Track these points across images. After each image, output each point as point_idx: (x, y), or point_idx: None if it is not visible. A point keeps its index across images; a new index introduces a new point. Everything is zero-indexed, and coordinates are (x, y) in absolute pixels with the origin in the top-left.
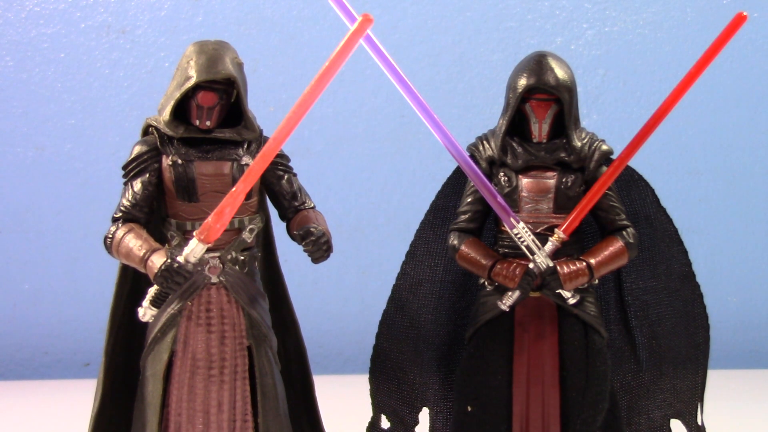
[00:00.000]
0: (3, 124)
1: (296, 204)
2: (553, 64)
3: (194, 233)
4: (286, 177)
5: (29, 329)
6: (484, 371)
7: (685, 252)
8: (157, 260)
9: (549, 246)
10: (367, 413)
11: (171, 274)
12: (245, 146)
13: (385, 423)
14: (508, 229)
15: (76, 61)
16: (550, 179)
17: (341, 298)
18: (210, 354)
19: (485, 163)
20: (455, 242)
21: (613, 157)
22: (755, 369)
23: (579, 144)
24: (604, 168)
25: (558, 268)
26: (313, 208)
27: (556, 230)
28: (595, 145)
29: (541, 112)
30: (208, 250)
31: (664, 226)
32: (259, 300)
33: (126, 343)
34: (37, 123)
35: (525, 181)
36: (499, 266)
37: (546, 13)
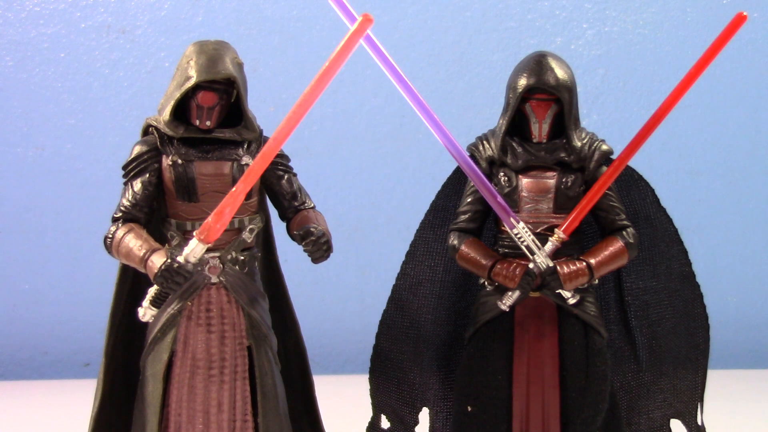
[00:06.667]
0: (3, 124)
1: (296, 204)
2: (553, 64)
3: (194, 233)
4: (286, 177)
5: (29, 329)
6: (484, 371)
7: (685, 252)
8: (157, 260)
9: (549, 246)
10: (367, 413)
11: (171, 274)
12: (245, 146)
13: (385, 423)
14: (508, 229)
15: (76, 61)
16: (550, 179)
17: (341, 298)
18: (210, 354)
19: (485, 163)
20: (455, 242)
21: (613, 157)
22: (755, 369)
23: (579, 144)
24: (604, 168)
25: (558, 268)
26: (313, 208)
27: (556, 230)
28: (595, 145)
29: (541, 112)
30: (208, 250)
31: (664, 226)
32: (259, 300)
33: (126, 343)
34: (37, 123)
35: (525, 181)
36: (499, 266)
37: (546, 13)
